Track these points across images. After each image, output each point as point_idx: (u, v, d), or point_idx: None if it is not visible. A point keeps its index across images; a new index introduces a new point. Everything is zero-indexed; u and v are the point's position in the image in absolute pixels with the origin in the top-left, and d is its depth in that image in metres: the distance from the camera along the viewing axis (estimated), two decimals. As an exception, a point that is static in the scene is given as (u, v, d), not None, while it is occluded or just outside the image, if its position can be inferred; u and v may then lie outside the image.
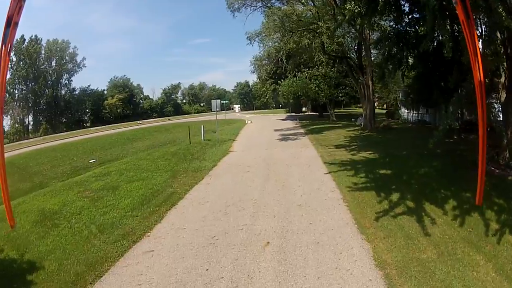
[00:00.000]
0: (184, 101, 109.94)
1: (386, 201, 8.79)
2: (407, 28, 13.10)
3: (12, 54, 42.72)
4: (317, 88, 35.73)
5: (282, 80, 36.28)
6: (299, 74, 35.01)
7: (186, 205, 9.56)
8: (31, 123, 73.23)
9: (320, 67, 34.79)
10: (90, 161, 24.65)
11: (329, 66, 35.66)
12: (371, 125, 25.97)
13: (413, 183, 10.42)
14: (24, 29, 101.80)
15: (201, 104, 74.27)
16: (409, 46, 12.99)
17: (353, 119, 29.46)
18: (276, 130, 29.84)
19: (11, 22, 2.75)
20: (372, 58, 27.54)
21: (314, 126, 32.06)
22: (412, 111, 31.75)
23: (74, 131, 57.32)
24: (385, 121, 30.46)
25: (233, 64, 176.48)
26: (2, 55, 2.83)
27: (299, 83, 34.25)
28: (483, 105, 3.02)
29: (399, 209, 8.10)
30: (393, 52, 13.44)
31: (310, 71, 35.14)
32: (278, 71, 38.79)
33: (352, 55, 32.17)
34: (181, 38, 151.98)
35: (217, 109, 24.01)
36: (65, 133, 58.11)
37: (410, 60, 15.31)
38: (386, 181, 10.84)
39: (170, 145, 25.08)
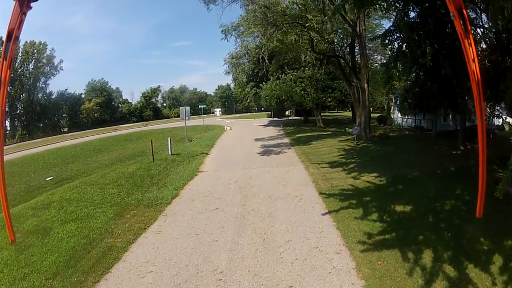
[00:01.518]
0: (165, 104, 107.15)
1: (417, 268, 6.08)
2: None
3: None
4: (303, 92, 32.41)
5: (264, 83, 32.76)
6: (283, 76, 31.47)
7: (121, 275, 6.43)
8: (8, 128, 68.27)
9: (307, 68, 31.57)
10: (47, 179, 22.59)
11: (316, 68, 32.51)
12: (367, 134, 22.97)
13: (444, 229, 7.68)
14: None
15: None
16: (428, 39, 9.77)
17: (347, 128, 26.19)
18: (257, 140, 26.35)
19: (12, 36, 2.75)
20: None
21: (301, 134, 28.69)
22: (406, 117, 28.90)
23: (50, 137, 55.72)
24: (380, 129, 27.07)
25: (214, 67, 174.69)
26: (3, 69, 2.81)
27: (282, 86, 30.71)
28: (481, 110, 2.90)
29: (439, 283, 5.60)
30: (406, 48, 10.19)
31: (295, 73, 32.00)
32: (259, 73, 35.86)
33: (346, 55, 29.01)
34: (161, 40, 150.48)
35: (186, 117, 20.15)
36: (40, 139, 56.28)
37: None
38: (408, 227, 7.91)
39: (134, 159, 21.87)
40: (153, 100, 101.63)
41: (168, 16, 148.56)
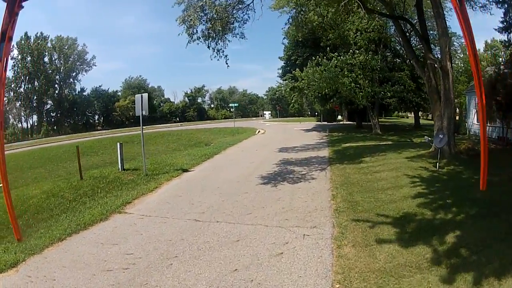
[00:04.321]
0: (212, 106, 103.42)
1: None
2: None
3: (15, 50, 56.29)
4: (353, 84, 23.22)
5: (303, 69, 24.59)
6: (324, 60, 22.62)
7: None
8: (35, 123, 68.89)
9: (357, 52, 22.68)
10: None
11: (370, 53, 23.60)
12: (451, 149, 13.25)
13: None
14: (49, 30, 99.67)
15: (231, 110, 67.10)
16: None
17: (426, 136, 16.52)
18: (282, 150, 18.37)
19: (5, 37, 2.75)
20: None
21: (348, 144, 19.64)
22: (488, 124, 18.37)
23: (75, 134, 54.39)
24: (465, 141, 16.10)
25: (268, 71, 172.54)
26: None
27: (324, 74, 21.74)
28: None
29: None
30: None
31: (342, 57, 22.42)
32: (297, 61, 28.08)
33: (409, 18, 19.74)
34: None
35: (143, 112, 13.07)
36: (65, 135, 54.58)
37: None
38: None
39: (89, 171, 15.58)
40: (199, 100, 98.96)
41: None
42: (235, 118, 48.61)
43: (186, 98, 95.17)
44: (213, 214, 7.53)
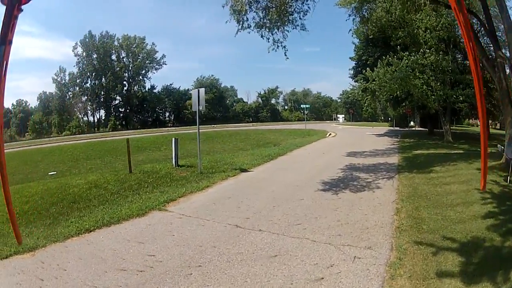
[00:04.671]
0: (286, 107, 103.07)
1: None
2: None
3: (78, 48, 66.62)
4: (425, 87, 21.22)
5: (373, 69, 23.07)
6: (394, 60, 21.47)
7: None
8: (103, 118, 73.87)
9: (427, 52, 21.10)
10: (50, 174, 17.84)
11: (440, 53, 21.93)
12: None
13: None
14: (118, 30, 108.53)
15: (304, 112, 66.92)
16: None
17: (499, 145, 14.18)
18: (351, 154, 17.33)
19: (5, 41, 2.53)
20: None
21: (419, 151, 17.77)
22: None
23: (143, 130, 55.68)
24: None
25: (343, 74, 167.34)
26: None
27: (395, 74, 20.24)
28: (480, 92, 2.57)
29: None
30: None
31: (411, 57, 21.34)
32: (368, 61, 27.39)
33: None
34: (289, 45, 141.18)
35: (199, 107, 12.82)
36: (132, 130, 57.28)
37: None
38: None
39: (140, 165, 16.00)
40: (273, 101, 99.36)
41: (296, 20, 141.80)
42: (308, 120, 48.52)
43: (260, 99, 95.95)
44: (258, 221, 6.68)
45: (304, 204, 7.80)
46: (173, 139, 14.14)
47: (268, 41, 11.96)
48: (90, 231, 6.28)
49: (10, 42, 2.69)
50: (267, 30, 11.71)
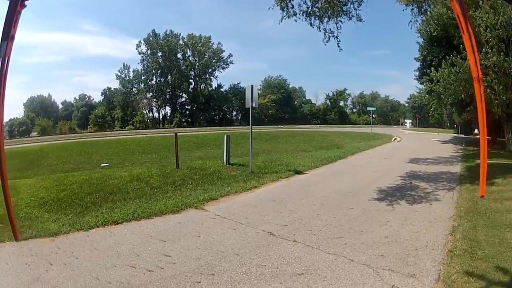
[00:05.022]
0: (354, 110, 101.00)
1: None
2: None
3: (142, 46, 70.00)
4: (488, 90, 19.11)
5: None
6: (457, 60, 19.42)
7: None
8: (168, 114, 77.35)
9: (489, 51, 18.72)
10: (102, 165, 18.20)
11: (501, 53, 19.21)
12: None
13: None
14: (182, 29, 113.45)
15: (373, 116, 64.57)
16: None
17: None
18: (413, 161, 16.27)
19: (8, 36, 2.71)
20: None
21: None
22: None
23: (208, 127, 56.96)
24: None
25: (412, 78, 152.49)
26: (1, 67, 2.76)
27: (459, 76, 18.87)
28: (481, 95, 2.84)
29: None
30: None
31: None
32: (433, 62, 25.18)
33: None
34: (358, 48, 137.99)
35: (252, 103, 12.26)
36: (197, 127, 58.96)
37: None
38: None
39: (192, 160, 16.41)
40: (341, 104, 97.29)
41: (365, 23, 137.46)
42: (376, 124, 46.35)
43: (328, 101, 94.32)
44: (296, 229, 5.97)
45: (352, 214, 6.90)
46: (225, 136, 13.99)
47: (319, 30, 11.01)
48: (117, 224, 6.20)
49: (13, 38, 2.77)
50: (316, 19, 10.80)
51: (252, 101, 12.03)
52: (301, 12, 10.40)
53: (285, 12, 10.31)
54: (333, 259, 4.56)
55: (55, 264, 4.45)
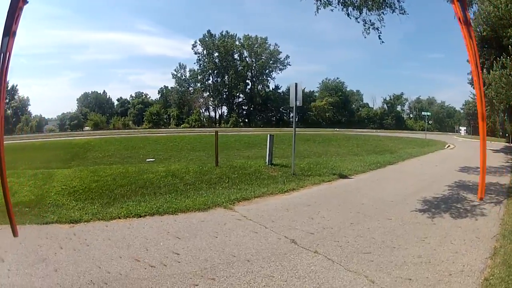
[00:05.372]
0: (411, 115, 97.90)
1: None
2: None
3: (198, 46, 70.11)
4: None
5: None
6: (508, 61, 18.02)
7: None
8: (224, 114, 79.03)
9: None
10: (147, 160, 18.88)
11: None
12: None
13: None
14: (238, 30, 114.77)
15: (429, 122, 61.01)
16: None
17: None
18: (463, 170, 15.18)
19: (9, 32, 2.74)
20: None
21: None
22: None
23: (263, 128, 57.31)
24: None
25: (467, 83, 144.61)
26: (2, 64, 2.80)
27: (509, 80, 17.51)
28: (482, 101, 3.08)
29: None
30: None
31: None
32: (485, 64, 23.14)
33: None
34: (413, 51, 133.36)
35: (297, 102, 11.80)
36: (253, 128, 59.84)
37: None
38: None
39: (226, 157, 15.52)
40: (398, 108, 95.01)
41: (419, 26, 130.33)
42: (431, 130, 43.98)
43: (385, 105, 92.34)
44: (322, 239, 5.54)
45: (389, 226, 6.24)
46: (268, 135, 13.66)
47: (358, 22, 10.22)
48: (140, 217, 6.30)
49: (14, 34, 2.80)
50: (355, 9, 10.05)
51: (296, 100, 11.67)
52: (337, 2, 9.78)
53: (319, 1, 9.78)
54: (352, 279, 4.09)
55: (65, 249, 4.67)
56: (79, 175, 9.71)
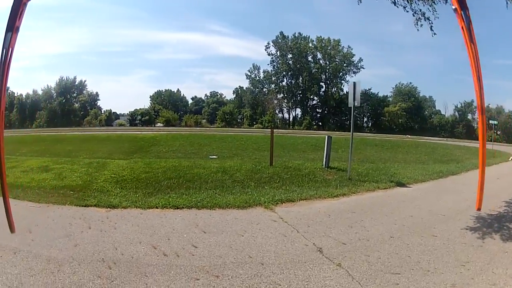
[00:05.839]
0: None
1: None
2: None
3: (271, 47, 69.90)
4: None
5: None
6: None
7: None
8: (298, 116, 78.27)
9: None
10: (210, 157, 19.29)
11: None
12: None
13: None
14: (311, 31, 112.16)
15: (497, 132, 55.00)
16: None
17: None
18: None
19: (13, 27, 2.73)
20: None
21: None
22: None
23: (335, 132, 55.04)
24: None
25: None
26: (4, 59, 2.77)
27: None
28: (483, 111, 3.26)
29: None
30: None
31: None
32: None
33: None
34: (482, 56, 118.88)
35: (355, 103, 11.31)
36: (325, 131, 56.24)
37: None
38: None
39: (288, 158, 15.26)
40: (469, 117, 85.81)
41: (487, 30, 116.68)
42: (499, 141, 39.65)
43: (456, 113, 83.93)
44: (352, 251, 5.06)
45: (431, 244, 5.50)
46: (326, 137, 13.28)
47: (406, 11, 9.25)
48: (177, 208, 6.52)
49: (18, 29, 2.80)
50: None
51: (354, 100, 11.12)
52: None
53: None
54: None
55: (93, 229, 5.08)
56: (131, 166, 10.41)
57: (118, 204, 6.37)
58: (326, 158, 12.65)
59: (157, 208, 6.39)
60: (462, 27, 2.87)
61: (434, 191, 10.57)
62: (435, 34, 9.67)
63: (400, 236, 5.86)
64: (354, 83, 11.43)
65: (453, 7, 2.86)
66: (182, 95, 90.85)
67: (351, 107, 11.50)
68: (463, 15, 2.85)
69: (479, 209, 3.23)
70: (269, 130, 52.46)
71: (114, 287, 3.74)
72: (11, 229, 3.48)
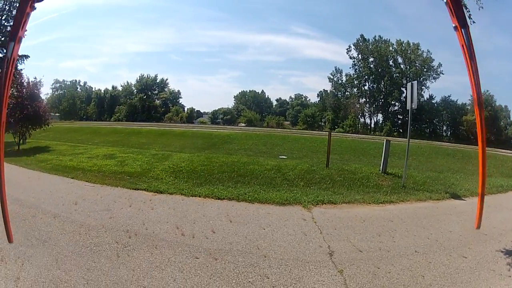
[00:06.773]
0: None
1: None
2: None
3: (352, 50, 68.11)
4: None
5: None
6: None
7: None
8: (379, 121, 74.75)
9: None
10: (280, 157, 19.58)
11: None
12: None
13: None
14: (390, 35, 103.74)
15: None
16: None
17: None
18: None
19: (15, 38, 2.74)
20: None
21: None
22: None
23: (418, 140, 52.80)
24: None
25: None
26: (6, 70, 2.78)
27: None
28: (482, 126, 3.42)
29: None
30: None
31: None
32: None
33: None
34: None
35: (412, 104, 10.55)
36: (404, 138, 54.74)
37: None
38: None
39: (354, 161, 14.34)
40: None
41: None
42: None
43: None
44: (364, 260, 4.74)
45: (455, 266, 4.74)
46: (385, 141, 12.52)
47: None
48: (218, 199, 6.88)
49: (20, 40, 2.78)
50: None
51: (411, 102, 10.35)
52: None
53: None
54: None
55: (132, 207, 5.76)
56: (192, 159, 10.95)
57: (165, 190, 6.98)
58: (383, 164, 11.93)
59: (199, 196, 6.83)
60: (463, 45, 2.91)
61: (486, 206, 9.39)
62: (473, 22, 8.77)
63: (426, 252, 5.23)
64: (412, 83, 10.44)
65: (453, 25, 2.89)
66: (266, 96, 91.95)
67: (409, 109, 10.66)
68: (463, 33, 2.88)
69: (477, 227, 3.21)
70: (347, 134, 50.75)
71: (125, 250, 4.28)
72: (9, 238, 3.51)
